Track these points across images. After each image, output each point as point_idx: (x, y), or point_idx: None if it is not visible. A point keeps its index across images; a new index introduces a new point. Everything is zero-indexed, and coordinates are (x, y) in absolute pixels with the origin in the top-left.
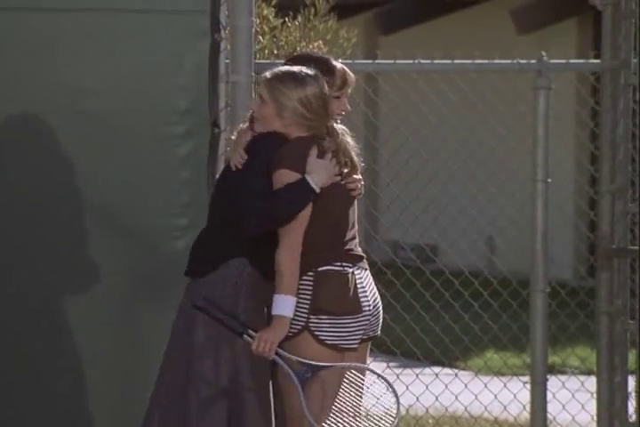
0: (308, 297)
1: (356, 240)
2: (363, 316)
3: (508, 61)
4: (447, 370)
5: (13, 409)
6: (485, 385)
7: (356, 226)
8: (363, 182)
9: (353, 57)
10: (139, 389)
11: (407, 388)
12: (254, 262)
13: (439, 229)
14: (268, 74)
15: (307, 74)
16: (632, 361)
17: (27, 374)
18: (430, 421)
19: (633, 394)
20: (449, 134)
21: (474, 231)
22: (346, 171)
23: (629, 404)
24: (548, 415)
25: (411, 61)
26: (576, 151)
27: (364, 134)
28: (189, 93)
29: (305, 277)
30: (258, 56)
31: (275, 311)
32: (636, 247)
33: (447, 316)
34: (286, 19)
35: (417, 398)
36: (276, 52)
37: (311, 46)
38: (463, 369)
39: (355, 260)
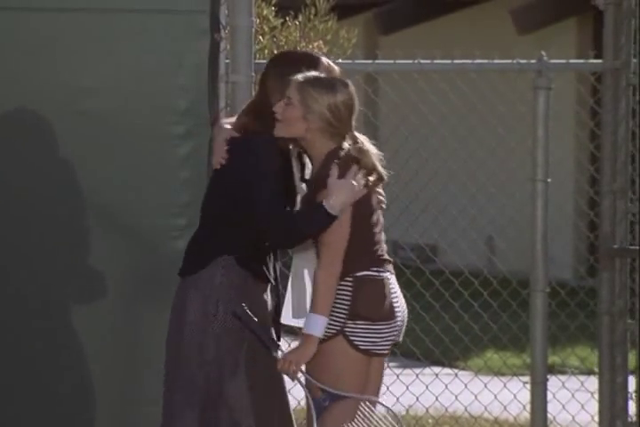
0: (347, 302)
1: (384, 245)
2: (395, 322)
3: (508, 61)
4: (447, 370)
5: (14, 409)
6: (485, 385)
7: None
8: (384, 197)
9: (353, 57)
10: (139, 389)
11: (407, 388)
12: (241, 262)
13: (439, 228)
14: (300, 77)
15: (339, 81)
16: (632, 361)
17: (27, 375)
18: (430, 421)
19: (634, 394)
20: (449, 134)
21: (474, 231)
22: (372, 179)
23: (630, 404)
24: (548, 415)
25: (411, 61)
26: (576, 151)
27: (364, 134)
28: (189, 93)
29: (343, 283)
30: (258, 56)
31: (305, 330)
32: (638, 247)
33: (447, 316)
34: (286, 19)
35: (417, 399)
36: (275, 52)
37: (311, 46)
38: (463, 369)
39: (385, 264)
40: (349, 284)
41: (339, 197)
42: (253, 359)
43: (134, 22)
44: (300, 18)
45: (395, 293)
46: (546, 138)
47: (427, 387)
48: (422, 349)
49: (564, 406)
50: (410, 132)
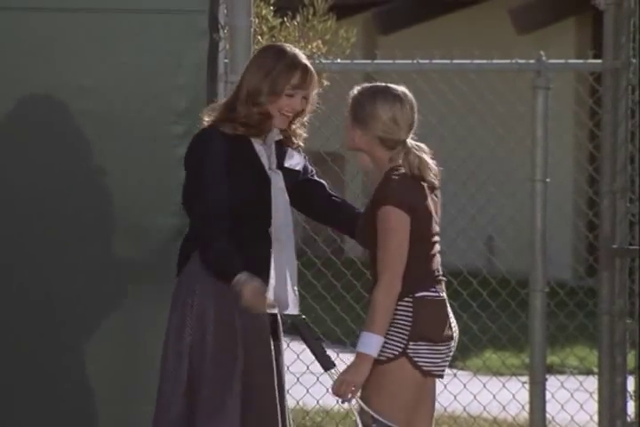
0: (408, 323)
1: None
2: (452, 342)
3: (507, 61)
4: (446, 370)
5: (14, 408)
6: (484, 385)
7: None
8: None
9: (352, 57)
10: (139, 388)
11: None
12: None
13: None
14: (356, 89)
15: (392, 92)
16: (632, 361)
17: (27, 374)
18: None
19: (633, 394)
20: (448, 134)
21: (473, 231)
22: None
23: (629, 404)
24: (547, 415)
25: (410, 61)
26: (575, 151)
27: None
28: (188, 93)
29: (402, 303)
30: None
31: (360, 348)
32: (637, 247)
33: None
34: (285, 18)
35: None
36: None
37: (310, 46)
38: (462, 369)
39: (442, 284)
40: (409, 304)
41: (248, 289)
42: (249, 351)
43: (133, 22)
44: (299, 18)
45: (449, 313)
46: (545, 138)
47: None
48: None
49: (562, 406)
50: None
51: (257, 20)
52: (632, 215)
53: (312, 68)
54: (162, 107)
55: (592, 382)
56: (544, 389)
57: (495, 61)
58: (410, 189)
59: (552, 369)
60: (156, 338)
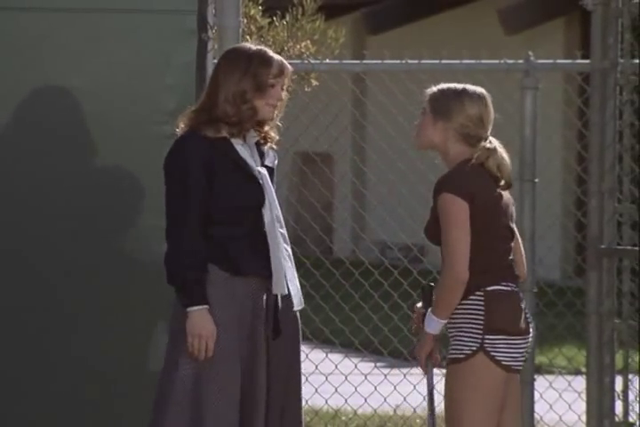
0: (481, 317)
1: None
2: (529, 337)
3: (496, 61)
4: (435, 370)
5: (14, 408)
6: None
7: (518, 243)
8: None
9: (341, 57)
10: (137, 387)
11: (395, 388)
12: (216, 261)
13: None
14: (434, 88)
15: (477, 91)
16: (620, 361)
17: (25, 373)
18: (418, 421)
19: (621, 394)
20: None
21: None
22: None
23: (617, 404)
24: (536, 415)
25: (398, 61)
26: (563, 151)
27: (352, 134)
28: (177, 93)
29: (473, 297)
30: None
31: (424, 326)
32: (627, 247)
33: None
34: (273, 18)
35: (404, 398)
36: None
37: (298, 46)
38: None
39: (516, 279)
40: (481, 298)
41: (191, 323)
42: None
43: (122, 22)
44: (288, 18)
45: (525, 307)
46: (533, 138)
47: (414, 387)
48: (410, 348)
49: (551, 406)
50: (397, 132)
51: (245, 20)
52: (620, 215)
53: (282, 59)
54: (151, 107)
55: (580, 382)
56: (532, 389)
57: (484, 61)
58: (473, 178)
59: (540, 369)
60: (155, 340)
